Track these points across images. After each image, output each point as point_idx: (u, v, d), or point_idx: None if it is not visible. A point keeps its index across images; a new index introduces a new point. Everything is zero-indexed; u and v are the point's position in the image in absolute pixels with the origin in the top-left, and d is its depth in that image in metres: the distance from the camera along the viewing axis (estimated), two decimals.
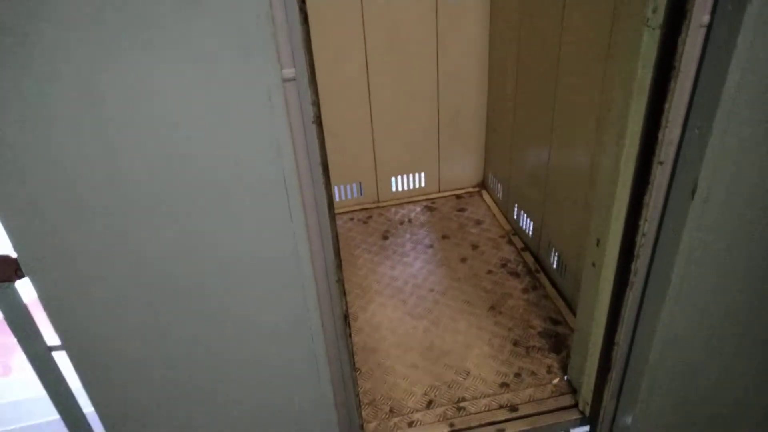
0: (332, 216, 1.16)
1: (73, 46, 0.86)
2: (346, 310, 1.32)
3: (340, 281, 1.26)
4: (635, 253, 1.42)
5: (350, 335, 1.36)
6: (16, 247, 1.00)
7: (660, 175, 1.30)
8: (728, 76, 1.10)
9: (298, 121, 1.04)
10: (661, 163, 1.28)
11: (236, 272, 1.12)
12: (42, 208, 0.97)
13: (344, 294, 1.30)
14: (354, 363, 1.45)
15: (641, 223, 1.37)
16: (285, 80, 0.98)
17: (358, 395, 1.50)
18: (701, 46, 1.15)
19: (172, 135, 0.96)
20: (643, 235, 1.39)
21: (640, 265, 1.44)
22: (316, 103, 1.03)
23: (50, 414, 2.98)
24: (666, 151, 1.27)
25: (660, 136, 1.25)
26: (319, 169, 1.08)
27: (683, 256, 1.32)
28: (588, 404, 1.81)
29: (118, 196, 0.99)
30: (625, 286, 1.49)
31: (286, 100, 0.98)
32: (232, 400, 1.31)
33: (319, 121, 1.05)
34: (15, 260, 1.07)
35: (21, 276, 1.08)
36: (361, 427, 1.59)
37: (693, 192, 1.23)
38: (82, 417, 1.32)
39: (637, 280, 1.46)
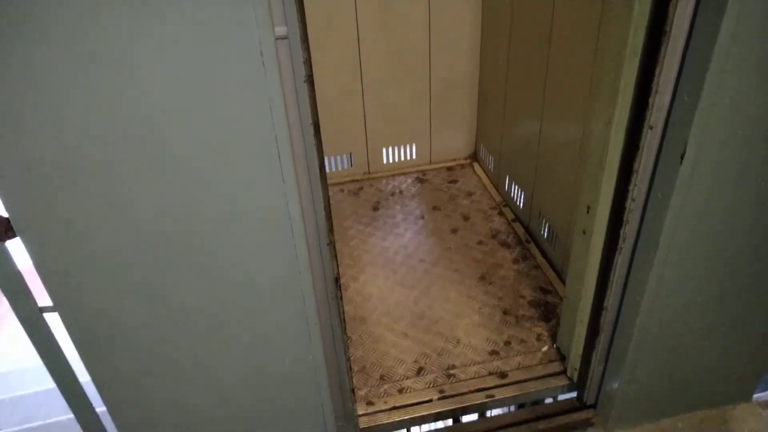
0: (323, 177, 1.17)
1: (63, 7, 0.85)
2: (337, 273, 1.33)
3: (332, 243, 1.27)
4: (624, 218, 1.44)
5: (341, 298, 1.38)
6: (7, 207, 1.00)
7: (650, 140, 1.31)
8: (718, 42, 1.10)
9: (290, 79, 1.03)
10: (651, 127, 1.29)
11: (228, 233, 1.12)
12: (35, 166, 0.97)
13: (335, 257, 1.31)
14: (345, 327, 1.46)
15: (631, 188, 1.39)
16: (277, 38, 0.97)
17: (349, 359, 1.52)
18: (692, 11, 1.15)
19: (163, 93, 0.95)
20: (633, 200, 1.40)
21: (629, 230, 1.45)
22: (308, 62, 1.03)
23: (39, 385, 3.01)
24: (656, 116, 1.28)
25: (651, 101, 1.26)
26: (311, 129, 1.08)
27: (671, 220, 1.33)
28: (576, 370, 1.84)
29: (111, 154, 0.99)
30: (615, 251, 1.51)
31: (278, 58, 0.97)
32: (224, 361, 1.32)
33: (310, 80, 1.04)
34: (6, 219, 1.07)
35: (12, 236, 1.08)
36: (352, 391, 1.61)
37: (682, 156, 1.24)
38: (74, 379, 1.33)
39: (626, 246, 1.48)
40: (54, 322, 1.24)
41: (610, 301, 1.59)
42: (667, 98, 1.24)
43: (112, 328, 1.18)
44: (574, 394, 1.91)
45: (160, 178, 1.03)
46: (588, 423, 1.84)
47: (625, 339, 1.60)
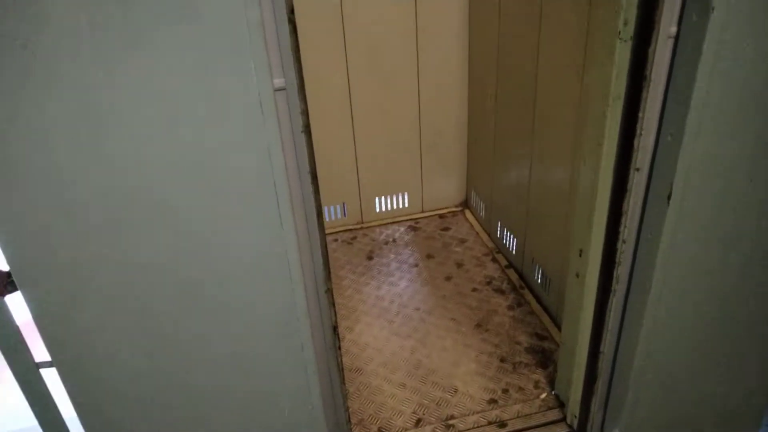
0: (321, 224, 1.18)
1: (70, 55, 0.88)
2: (335, 321, 1.33)
3: (329, 291, 1.28)
4: (617, 260, 1.46)
5: (339, 347, 1.37)
6: (9, 260, 1.00)
7: (637, 182, 1.34)
8: (696, 83, 1.15)
9: (288, 129, 1.07)
10: (637, 169, 1.33)
11: (227, 280, 1.13)
12: (36, 219, 0.98)
13: (333, 304, 1.31)
14: (343, 376, 1.45)
15: (621, 230, 1.41)
16: (276, 89, 1.01)
17: (347, 409, 1.50)
18: (670, 56, 1.21)
19: (165, 144, 0.98)
20: (624, 241, 1.42)
21: (621, 271, 1.47)
22: (305, 113, 1.06)
23: None
24: (642, 158, 1.32)
25: (636, 143, 1.30)
26: (308, 178, 1.11)
27: (662, 259, 1.36)
28: (576, 417, 1.82)
29: (111, 206, 1.00)
30: (609, 294, 1.52)
31: (276, 109, 1.00)
32: (224, 414, 1.30)
33: (308, 130, 1.08)
34: (5, 273, 1.07)
35: (12, 290, 1.08)
36: None
37: (669, 196, 1.27)
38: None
39: (619, 287, 1.50)
40: (50, 379, 1.22)
41: (607, 344, 1.59)
42: (652, 139, 1.29)
43: (109, 382, 1.17)
44: None
45: (160, 228, 1.04)
46: None
47: (623, 383, 1.59)
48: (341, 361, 1.40)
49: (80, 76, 0.90)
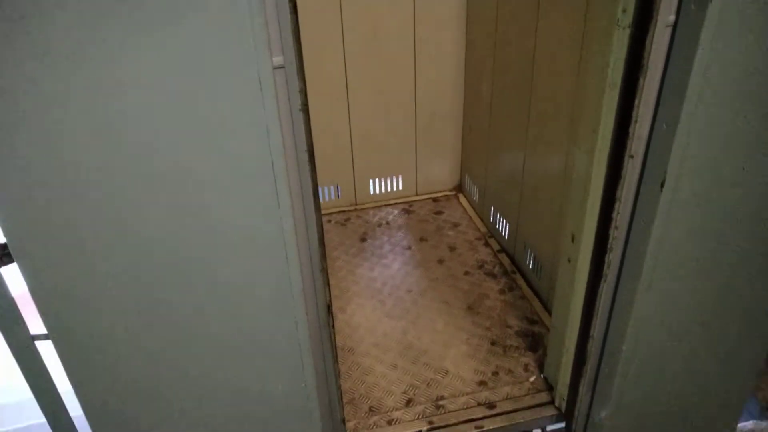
0: (317, 204, 1.19)
1: (65, 30, 0.88)
2: (330, 300, 1.34)
3: (324, 270, 1.29)
4: (608, 246, 1.47)
5: (333, 326, 1.39)
6: (6, 232, 1.00)
7: (631, 169, 1.36)
8: (693, 72, 1.16)
9: (286, 108, 1.07)
10: (632, 156, 1.34)
11: (223, 256, 1.14)
12: (33, 191, 0.98)
13: (328, 284, 1.32)
14: (336, 355, 1.47)
15: (614, 216, 1.43)
16: (275, 67, 1.01)
17: (339, 388, 1.52)
18: (668, 44, 1.22)
19: (163, 119, 0.98)
20: (616, 227, 1.44)
21: (613, 257, 1.49)
22: (304, 91, 1.06)
23: (20, 421, 2.93)
24: (636, 145, 1.33)
25: (631, 130, 1.31)
26: (305, 156, 1.11)
27: (654, 246, 1.37)
28: (564, 400, 1.85)
29: (108, 179, 1.00)
30: (600, 279, 1.54)
31: (275, 87, 1.00)
32: (217, 389, 1.31)
33: (306, 109, 1.08)
34: (2, 245, 1.08)
35: (7, 262, 1.09)
36: (343, 421, 1.61)
37: (662, 184, 1.29)
38: (64, 411, 1.32)
39: (610, 273, 1.51)
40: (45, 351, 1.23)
41: (596, 329, 1.62)
42: (647, 127, 1.30)
43: (105, 355, 1.18)
44: (562, 424, 1.91)
45: (156, 202, 1.04)
46: None
47: (612, 367, 1.62)
48: (334, 339, 1.41)
49: (77, 46, 0.90)
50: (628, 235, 1.45)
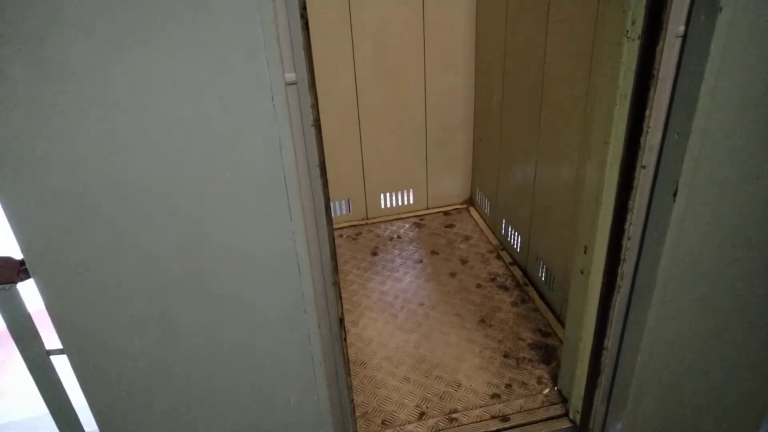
0: (329, 218, 1.20)
1: (84, 49, 0.90)
2: (342, 314, 1.35)
3: (337, 284, 1.29)
4: (621, 257, 1.47)
5: (345, 339, 1.39)
6: (23, 247, 1.02)
7: (643, 179, 1.35)
8: (703, 82, 1.16)
9: (298, 123, 1.08)
10: (643, 167, 1.34)
11: (236, 270, 1.14)
12: (51, 207, 1.00)
13: (340, 297, 1.33)
14: (349, 368, 1.47)
15: (627, 227, 1.42)
16: (287, 83, 1.02)
17: (352, 401, 1.52)
18: (678, 55, 1.22)
19: (179, 135, 0.99)
20: (629, 238, 1.43)
21: (626, 268, 1.48)
22: (315, 107, 1.08)
23: None
24: (648, 156, 1.32)
25: (642, 141, 1.31)
26: (318, 171, 1.12)
27: (667, 257, 1.37)
28: (578, 412, 1.83)
29: (124, 195, 1.02)
30: (613, 290, 1.53)
31: (287, 103, 1.02)
32: (230, 402, 1.32)
33: (318, 124, 1.09)
34: (18, 261, 1.09)
35: (24, 278, 1.10)
36: None
37: (674, 194, 1.28)
38: (77, 424, 1.32)
39: (624, 284, 1.51)
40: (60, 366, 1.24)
41: (611, 340, 1.60)
42: (658, 138, 1.30)
43: (119, 369, 1.18)
44: None
45: (172, 217, 1.06)
46: None
47: (626, 379, 1.60)
48: (347, 352, 1.41)
49: (92, 65, 0.91)
50: (641, 245, 1.44)
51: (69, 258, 1.04)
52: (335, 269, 1.28)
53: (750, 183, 1.32)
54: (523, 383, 2.01)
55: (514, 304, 2.38)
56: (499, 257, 2.68)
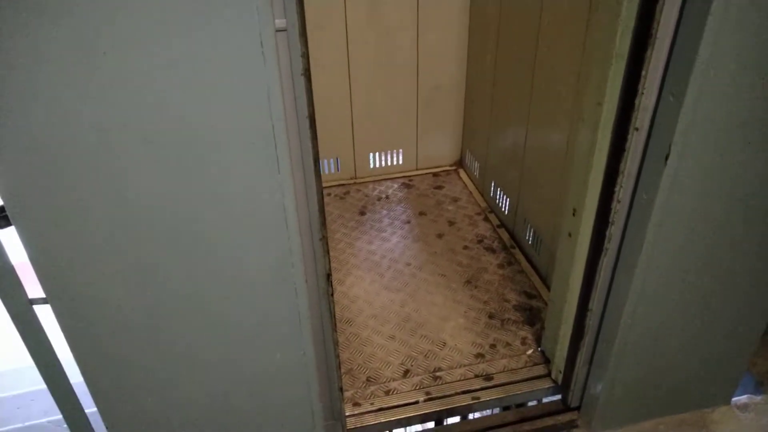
0: (318, 172, 1.18)
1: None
2: (330, 269, 1.34)
3: (324, 238, 1.28)
4: (610, 219, 1.47)
5: (332, 294, 1.38)
6: (3, 194, 0.99)
7: (635, 142, 1.34)
8: (702, 43, 1.14)
9: (288, 72, 1.05)
10: (636, 129, 1.32)
11: (223, 222, 1.13)
12: (33, 153, 0.97)
13: (328, 252, 1.32)
14: (335, 324, 1.47)
15: (616, 189, 1.42)
16: (277, 30, 0.99)
17: (338, 357, 1.52)
18: (677, 15, 1.19)
19: (163, 81, 0.96)
20: (618, 201, 1.43)
21: (614, 231, 1.48)
22: (306, 55, 1.04)
23: (16, 388, 2.96)
24: (642, 118, 1.31)
25: (636, 102, 1.29)
26: (307, 122, 1.10)
27: (655, 220, 1.37)
28: (561, 373, 1.86)
29: (108, 141, 0.99)
30: (600, 253, 1.54)
31: (277, 50, 0.99)
32: (216, 355, 1.32)
33: (308, 74, 1.06)
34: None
35: (5, 225, 1.08)
36: (341, 390, 1.61)
37: (666, 157, 1.28)
38: (63, 376, 1.32)
39: (611, 247, 1.51)
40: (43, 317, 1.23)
41: (595, 302, 1.62)
42: (653, 99, 1.28)
43: (104, 318, 1.18)
44: (558, 397, 1.93)
45: (156, 164, 1.03)
46: (572, 425, 1.86)
47: (609, 341, 1.63)
48: (333, 308, 1.41)
49: (80, 16, 0.88)
50: (630, 209, 1.44)
51: (50, 205, 1.02)
52: (323, 224, 1.27)
53: (743, 148, 1.31)
54: (507, 344, 2.03)
55: (500, 266, 2.40)
56: (486, 219, 2.68)
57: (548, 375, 1.92)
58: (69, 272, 1.10)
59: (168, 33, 0.93)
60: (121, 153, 1.01)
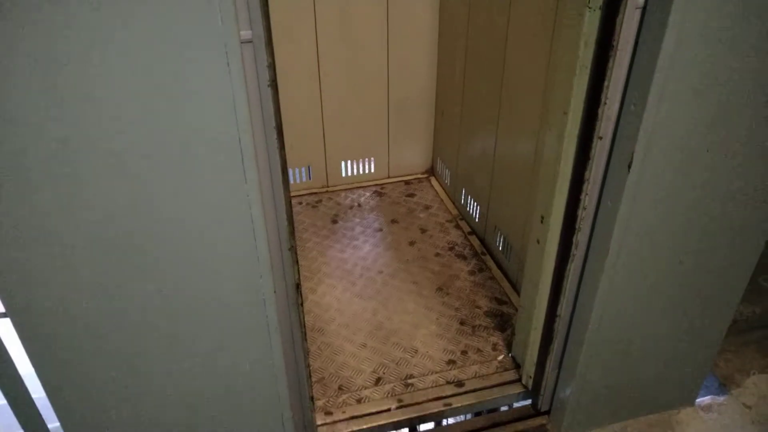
0: (286, 181, 1.18)
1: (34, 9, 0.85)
2: (299, 279, 1.34)
3: (293, 248, 1.28)
4: (576, 226, 1.49)
5: (302, 304, 1.38)
6: None
7: (599, 150, 1.37)
8: (661, 54, 1.17)
9: (254, 83, 1.05)
10: (600, 138, 1.35)
11: (189, 233, 1.12)
12: None
13: (297, 262, 1.31)
14: (305, 333, 1.46)
15: (582, 197, 1.44)
16: (242, 41, 0.98)
17: (308, 366, 1.52)
18: (637, 27, 1.23)
19: (128, 93, 0.95)
20: (584, 208, 1.46)
21: (581, 238, 1.51)
22: (272, 66, 1.04)
23: None
24: (605, 127, 1.34)
25: (600, 112, 1.32)
26: (274, 133, 1.10)
27: (620, 227, 1.39)
28: (531, 378, 1.88)
29: (66, 154, 0.97)
30: (568, 259, 1.56)
31: (242, 62, 0.98)
32: (183, 366, 1.30)
33: (274, 84, 1.06)
34: None
35: None
36: (312, 399, 1.61)
37: (629, 165, 1.31)
38: (24, 391, 1.29)
39: (578, 253, 1.54)
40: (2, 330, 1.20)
41: (563, 308, 1.64)
42: (615, 108, 1.31)
43: (66, 332, 1.15)
44: (528, 402, 1.95)
45: (120, 176, 1.02)
46: (542, 429, 1.88)
47: (577, 345, 1.65)
48: (303, 318, 1.41)
49: (40, 27, 0.87)
50: (596, 216, 1.47)
51: (9, 215, 1.00)
52: (292, 234, 1.27)
53: (702, 154, 1.35)
54: (479, 350, 2.05)
55: (471, 272, 2.41)
56: (458, 227, 2.70)
57: (519, 380, 1.94)
58: (28, 285, 1.07)
59: (129, 45, 0.92)
60: (83, 165, 0.99)
